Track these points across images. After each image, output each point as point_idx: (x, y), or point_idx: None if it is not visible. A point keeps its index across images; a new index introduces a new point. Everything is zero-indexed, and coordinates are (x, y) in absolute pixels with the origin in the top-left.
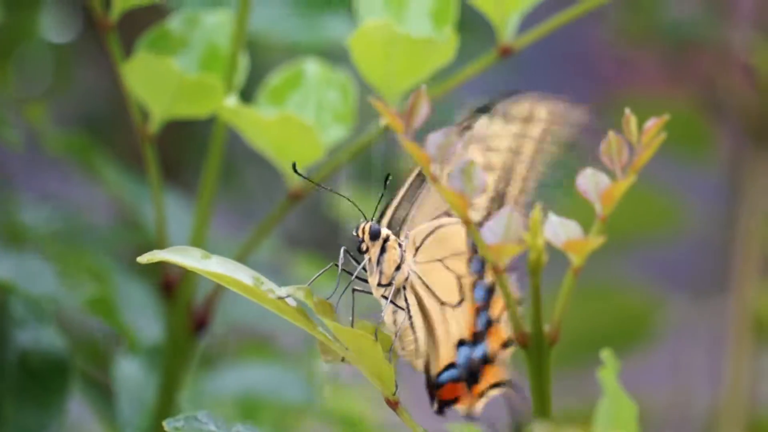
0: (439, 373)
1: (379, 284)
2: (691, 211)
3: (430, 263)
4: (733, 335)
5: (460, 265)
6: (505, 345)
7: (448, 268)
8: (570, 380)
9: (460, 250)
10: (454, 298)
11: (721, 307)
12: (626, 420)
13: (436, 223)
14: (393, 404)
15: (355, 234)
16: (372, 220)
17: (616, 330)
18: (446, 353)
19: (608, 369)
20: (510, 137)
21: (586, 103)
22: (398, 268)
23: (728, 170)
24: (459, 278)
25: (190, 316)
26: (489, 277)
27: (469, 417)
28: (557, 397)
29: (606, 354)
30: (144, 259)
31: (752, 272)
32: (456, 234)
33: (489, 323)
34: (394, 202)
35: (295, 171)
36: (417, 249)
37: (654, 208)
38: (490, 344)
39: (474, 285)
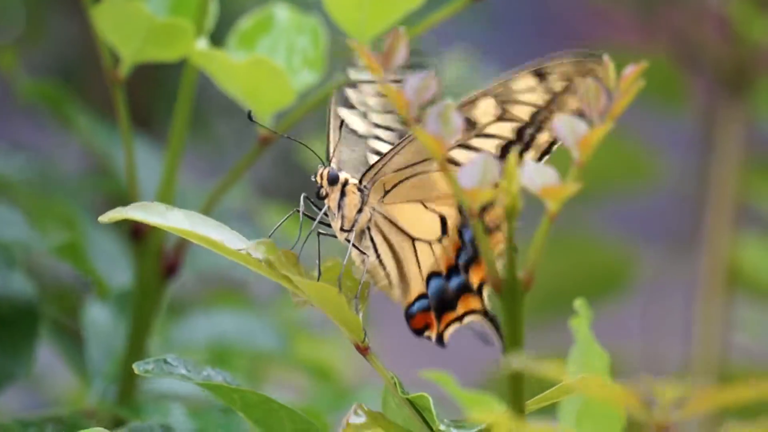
0: (411, 304)
1: (342, 228)
2: (664, 163)
3: (404, 203)
4: (705, 287)
5: (446, 207)
6: (485, 282)
7: (429, 208)
8: (544, 333)
9: (449, 192)
10: (433, 235)
11: (694, 259)
12: (598, 368)
13: (420, 167)
14: (362, 350)
15: (314, 180)
16: (329, 165)
17: (590, 282)
18: (417, 285)
19: (581, 318)
20: (537, 94)
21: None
22: (360, 210)
23: (701, 122)
24: (443, 218)
25: (160, 261)
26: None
27: (440, 343)
28: (532, 350)
29: (579, 303)
30: (106, 218)
31: (725, 224)
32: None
33: (475, 259)
34: (334, 144)
35: (250, 119)
36: (387, 192)
37: (627, 161)
38: (472, 278)
39: (464, 225)
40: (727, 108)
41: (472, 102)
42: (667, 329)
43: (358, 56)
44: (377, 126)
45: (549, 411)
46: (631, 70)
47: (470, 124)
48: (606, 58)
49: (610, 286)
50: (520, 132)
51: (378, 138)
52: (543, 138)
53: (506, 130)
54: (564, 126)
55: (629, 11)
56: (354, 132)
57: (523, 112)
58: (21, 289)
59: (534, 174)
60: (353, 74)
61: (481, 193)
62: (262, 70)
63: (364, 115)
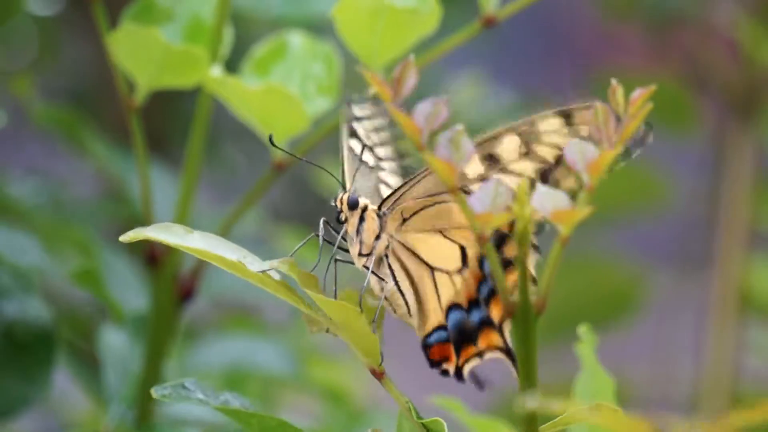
0: (429, 334)
1: (360, 254)
2: (675, 185)
3: (423, 233)
4: (717, 309)
5: (466, 237)
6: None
7: (448, 238)
8: (555, 354)
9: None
10: (453, 265)
11: (706, 282)
12: (603, 393)
13: (440, 197)
14: (378, 375)
15: (333, 205)
16: (349, 190)
17: (601, 305)
18: (436, 316)
19: (586, 343)
20: (563, 136)
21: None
22: (378, 237)
23: (712, 145)
24: (463, 248)
25: (176, 287)
26: (505, 252)
27: (458, 377)
28: (543, 371)
29: (583, 329)
30: (127, 237)
31: (736, 246)
32: None
33: (495, 293)
34: (350, 172)
35: (272, 143)
36: (405, 220)
37: (639, 183)
38: (493, 312)
39: (484, 256)
40: (737, 130)
41: (496, 137)
42: (679, 351)
43: (369, 84)
44: (380, 159)
45: None
46: (639, 94)
47: (493, 160)
48: (614, 82)
49: (622, 308)
50: (544, 174)
51: (383, 170)
52: (569, 182)
53: (530, 169)
54: (574, 150)
55: (639, 34)
56: (365, 162)
57: (549, 154)
58: (38, 314)
59: (545, 198)
60: (355, 109)
61: (492, 217)
62: (276, 97)
63: (370, 149)
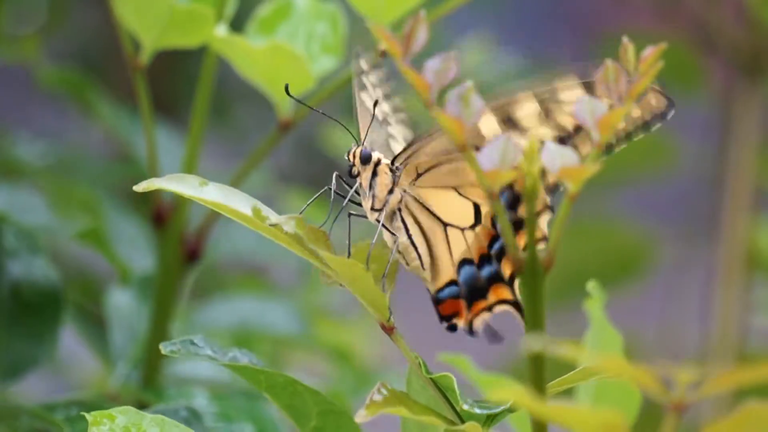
0: (440, 289)
1: (373, 208)
2: (682, 147)
3: (437, 188)
4: (724, 270)
5: (480, 194)
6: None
7: (462, 195)
8: (565, 317)
9: None
10: (466, 222)
11: (713, 243)
12: (611, 348)
13: (455, 155)
14: (388, 330)
15: (346, 158)
16: (362, 145)
17: (610, 267)
18: (447, 271)
19: (594, 300)
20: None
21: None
22: (391, 191)
23: (719, 106)
24: (476, 206)
25: (182, 246)
26: (520, 212)
27: (470, 331)
28: (552, 334)
29: (592, 286)
30: (141, 187)
31: (743, 208)
32: None
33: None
34: (364, 126)
35: (288, 93)
36: (419, 175)
37: (645, 145)
38: (504, 267)
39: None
40: (744, 92)
41: (516, 101)
42: (686, 312)
43: (378, 40)
44: (387, 113)
45: (566, 392)
46: (650, 52)
47: (512, 123)
48: (626, 40)
49: (630, 270)
50: (562, 141)
51: (389, 124)
52: (585, 150)
53: (548, 136)
54: (583, 107)
55: None
56: (375, 117)
57: (568, 122)
58: (44, 274)
59: (554, 155)
60: (362, 62)
61: (500, 174)
62: (282, 55)
63: (376, 103)
